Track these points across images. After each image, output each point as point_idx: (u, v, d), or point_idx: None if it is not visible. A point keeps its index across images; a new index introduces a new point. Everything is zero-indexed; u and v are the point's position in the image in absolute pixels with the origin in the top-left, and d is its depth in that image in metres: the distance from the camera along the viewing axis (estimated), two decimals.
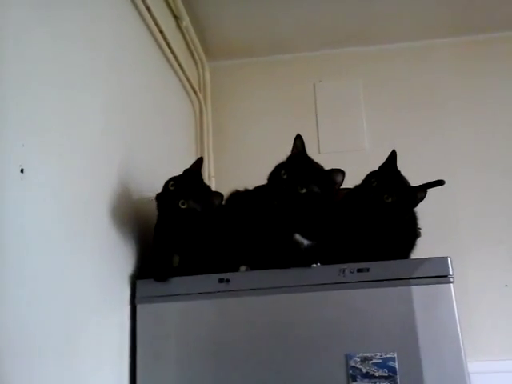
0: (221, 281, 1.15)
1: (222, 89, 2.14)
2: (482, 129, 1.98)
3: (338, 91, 2.10)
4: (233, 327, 1.13)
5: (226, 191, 1.30)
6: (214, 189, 1.29)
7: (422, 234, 1.32)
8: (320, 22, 1.95)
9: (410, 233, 1.29)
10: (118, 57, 1.27)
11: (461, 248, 1.81)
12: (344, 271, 1.12)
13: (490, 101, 2.00)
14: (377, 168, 1.28)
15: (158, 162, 1.48)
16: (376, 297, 1.11)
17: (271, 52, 2.13)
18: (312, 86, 2.12)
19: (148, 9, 1.45)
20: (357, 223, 1.22)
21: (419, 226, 1.32)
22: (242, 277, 1.18)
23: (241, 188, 1.36)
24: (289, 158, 1.21)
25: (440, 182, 1.26)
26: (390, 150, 1.28)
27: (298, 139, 1.21)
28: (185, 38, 1.89)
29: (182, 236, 1.18)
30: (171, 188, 1.15)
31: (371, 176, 1.25)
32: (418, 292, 1.09)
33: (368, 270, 1.12)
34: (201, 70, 2.09)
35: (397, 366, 1.04)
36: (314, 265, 1.15)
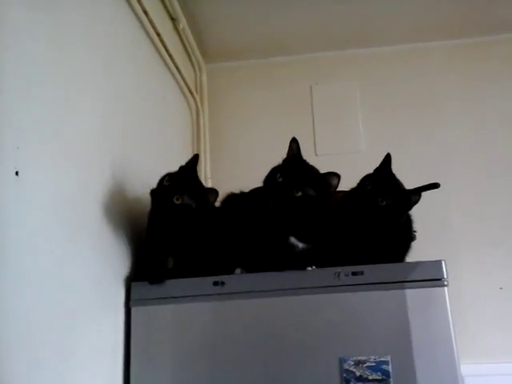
0: (216, 283, 1.15)
1: (218, 91, 2.15)
2: (477, 132, 1.98)
3: (335, 93, 2.11)
4: (227, 330, 1.13)
5: (222, 193, 1.30)
6: None
7: (416, 236, 1.33)
8: (317, 25, 1.95)
9: (405, 236, 1.30)
10: (115, 59, 1.27)
11: (455, 251, 1.82)
12: (339, 274, 1.13)
13: (486, 104, 2.00)
14: (373, 170, 1.28)
15: (155, 163, 1.48)
16: (370, 300, 1.11)
17: (268, 54, 2.13)
18: (308, 88, 2.12)
19: (145, 11, 1.45)
20: (352, 226, 1.23)
21: (414, 230, 1.33)
22: (237, 279, 1.18)
23: (236, 190, 1.36)
24: (284, 161, 1.21)
25: (435, 185, 1.27)
26: (387, 153, 1.28)
27: (294, 142, 1.21)
28: (182, 40, 1.89)
29: (176, 235, 1.17)
30: (166, 184, 1.14)
31: (366, 179, 1.26)
32: (412, 295, 1.09)
33: (362, 273, 1.12)
34: (198, 72, 2.10)
35: (390, 370, 1.05)
36: (309, 268, 1.15)
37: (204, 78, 2.12)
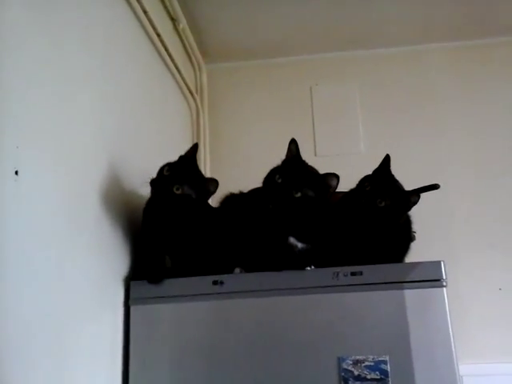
0: (215, 283, 1.16)
1: (218, 91, 2.15)
2: (476, 133, 1.98)
3: (335, 94, 2.11)
4: (226, 329, 1.13)
5: (221, 193, 1.30)
6: None
7: (416, 237, 1.33)
8: (317, 26, 1.96)
9: (404, 237, 1.30)
10: (115, 59, 1.28)
11: (454, 251, 1.82)
12: (338, 274, 1.13)
13: (485, 105, 2.01)
14: (372, 171, 1.29)
15: (155, 164, 1.47)
16: (369, 300, 1.11)
17: (268, 55, 2.13)
18: (308, 90, 2.12)
19: (145, 11, 1.45)
20: (351, 227, 1.23)
21: (414, 230, 1.33)
22: (236, 279, 1.18)
23: (236, 191, 1.36)
24: (283, 162, 1.21)
25: (434, 187, 1.27)
26: (386, 154, 1.28)
27: (293, 143, 1.21)
28: (182, 40, 1.89)
29: (175, 230, 1.16)
30: (166, 173, 1.13)
31: (365, 180, 1.26)
32: (411, 296, 1.10)
33: (361, 273, 1.12)
34: (198, 73, 2.10)
35: (389, 369, 1.05)
36: (308, 268, 1.16)
37: (204, 78, 2.12)
